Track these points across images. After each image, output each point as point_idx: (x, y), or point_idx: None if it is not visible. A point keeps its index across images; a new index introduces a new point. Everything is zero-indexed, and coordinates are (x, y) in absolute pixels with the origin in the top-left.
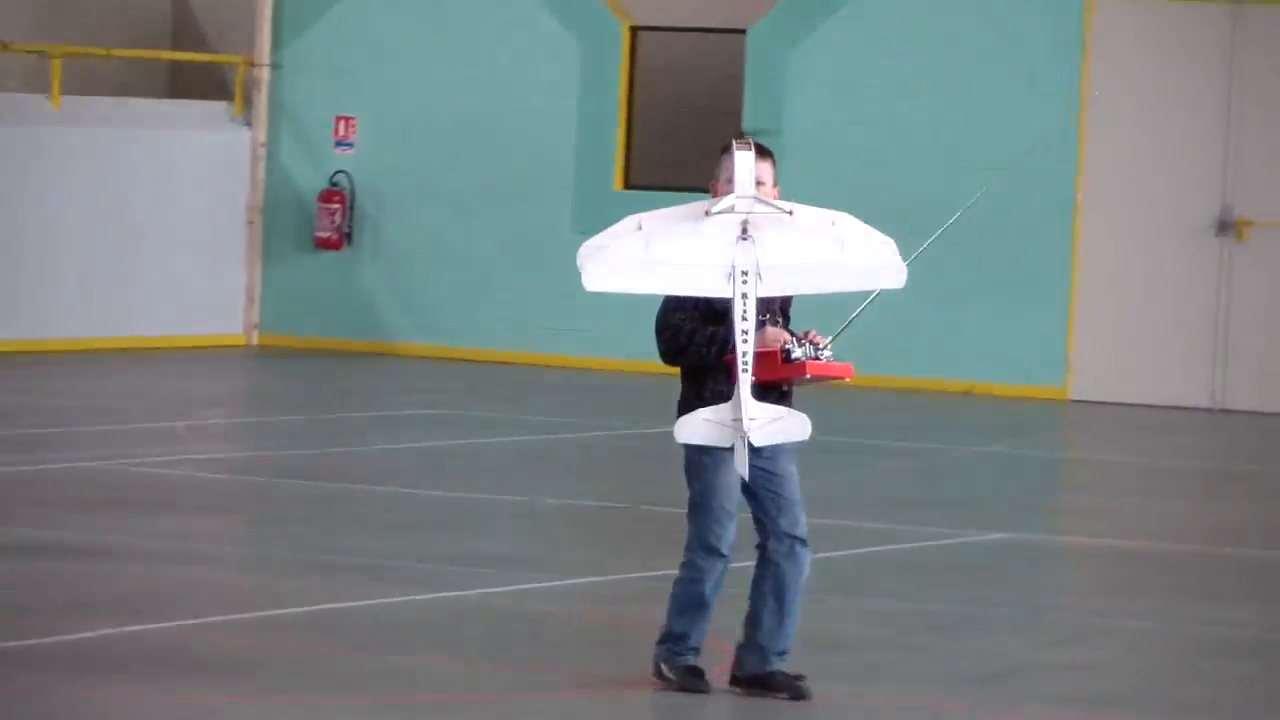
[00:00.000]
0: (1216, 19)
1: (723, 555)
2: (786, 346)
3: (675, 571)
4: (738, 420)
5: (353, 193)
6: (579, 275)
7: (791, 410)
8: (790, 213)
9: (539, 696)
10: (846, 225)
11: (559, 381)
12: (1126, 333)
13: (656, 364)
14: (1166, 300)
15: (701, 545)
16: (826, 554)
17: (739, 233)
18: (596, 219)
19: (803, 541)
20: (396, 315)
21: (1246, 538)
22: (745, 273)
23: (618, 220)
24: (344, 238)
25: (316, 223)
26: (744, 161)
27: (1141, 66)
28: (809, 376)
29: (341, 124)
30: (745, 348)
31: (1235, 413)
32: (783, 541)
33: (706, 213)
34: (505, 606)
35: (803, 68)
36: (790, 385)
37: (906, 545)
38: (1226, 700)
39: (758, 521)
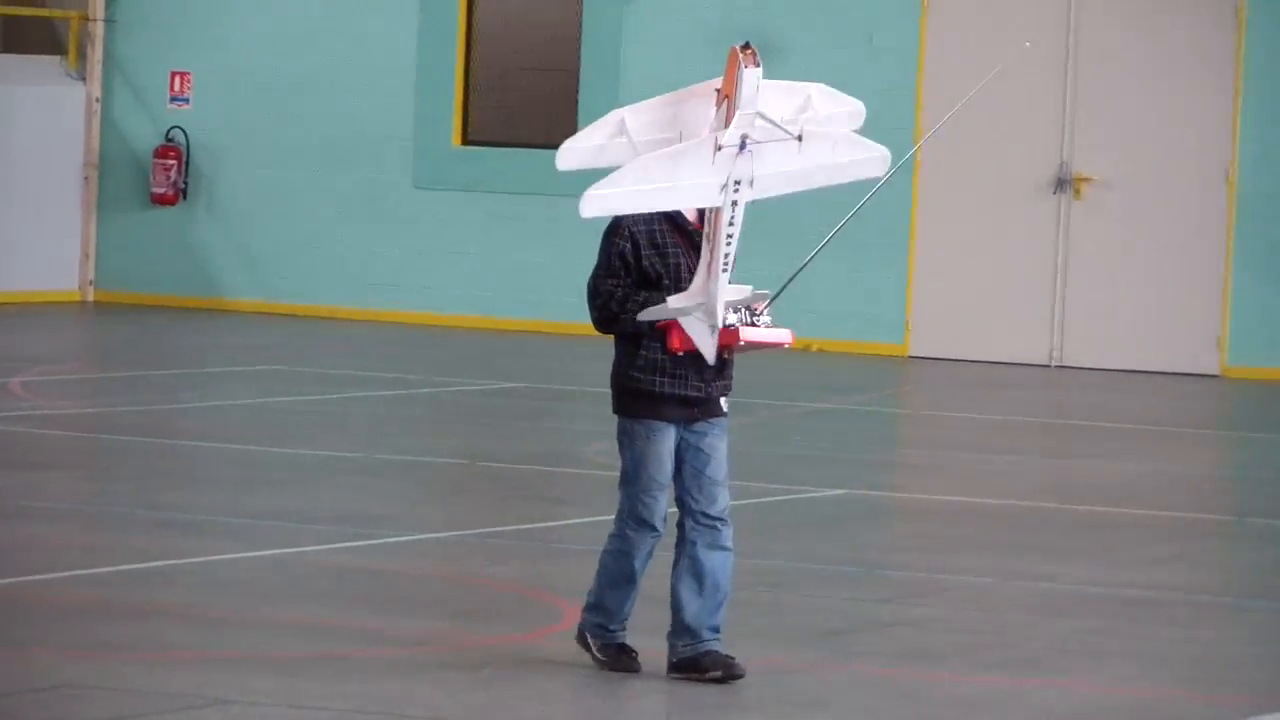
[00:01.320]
0: None
1: (654, 528)
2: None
3: (515, 525)
4: (706, 307)
5: (188, 148)
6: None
7: (754, 290)
8: (799, 138)
9: (379, 653)
10: (820, 96)
11: (396, 337)
12: (965, 290)
13: (495, 319)
14: (1004, 258)
15: (632, 516)
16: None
17: (737, 145)
18: (435, 175)
19: (723, 520)
20: (233, 272)
21: (1080, 494)
22: (739, 182)
23: (457, 176)
24: (180, 193)
25: (152, 178)
26: (750, 80)
27: (979, 23)
28: (742, 343)
29: (177, 79)
30: (728, 249)
31: (1072, 369)
32: (699, 521)
33: (718, 147)
34: (343, 563)
35: (639, 23)
36: (729, 353)
37: (748, 501)
38: (1057, 655)
39: (679, 499)
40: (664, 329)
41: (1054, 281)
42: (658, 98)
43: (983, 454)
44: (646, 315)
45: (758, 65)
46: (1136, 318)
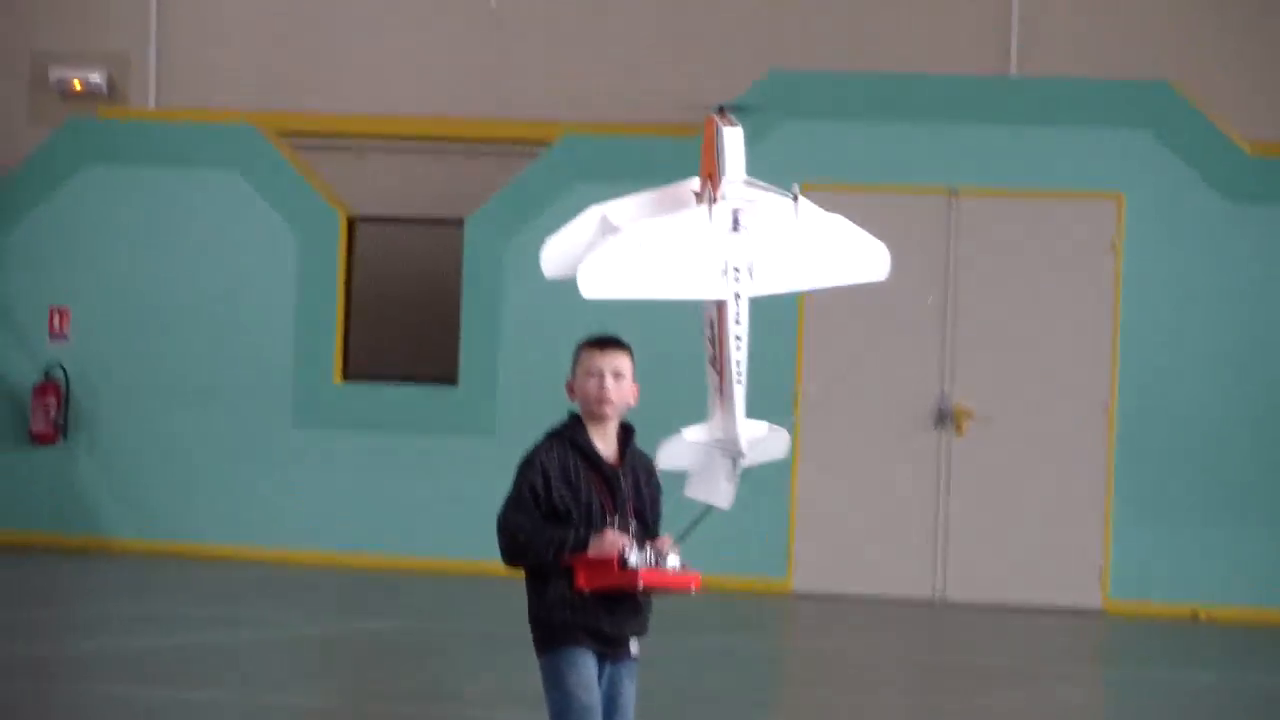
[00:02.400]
0: (933, 209)
1: None
2: (624, 553)
3: None
4: (725, 441)
5: (68, 386)
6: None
7: (773, 426)
8: (795, 196)
9: None
10: (838, 221)
11: (278, 576)
12: (848, 525)
13: (375, 558)
14: (887, 492)
15: None
16: None
17: (730, 224)
18: (316, 412)
19: None
20: (113, 510)
21: None
22: (738, 269)
23: (338, 413)
24: (59, 431)
25: (31, 416)
26: (733, 140)
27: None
28: (642, 587)
29: (56, 316)
30: (739, 355)
31: (955, 604)
32: None
33: (698, 196)
34: None
35: (519, 260)
36: (642, 595)
37: None
38: None
39: None
40: (571, 566)
41: (936, 516)
42: (633, 195)
43: (861, 692)
44: (665, 460)
45: (736, 125)
46: (1018, 552)
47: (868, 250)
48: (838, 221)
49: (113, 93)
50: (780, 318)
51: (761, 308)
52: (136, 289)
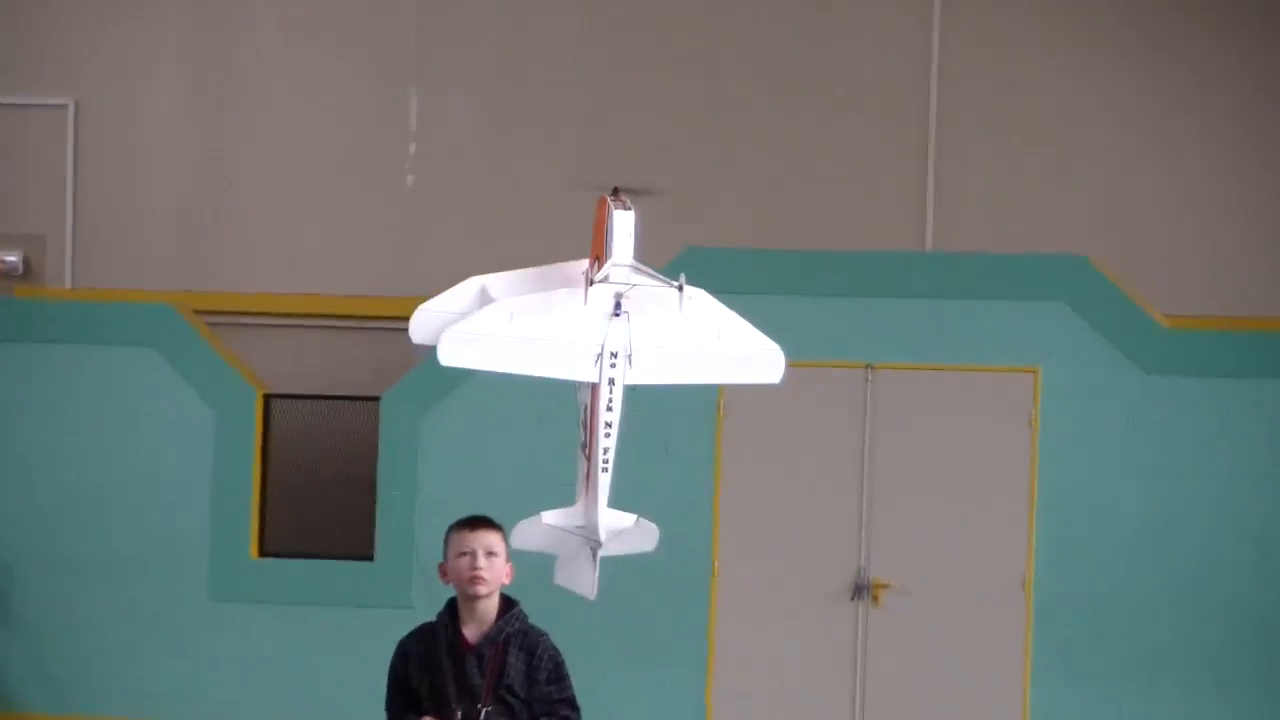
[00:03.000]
0: (849, 380)
1: None
2: None
3: None
4: (586, 528)
5: None
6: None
7: (640, 519)
8: (680, 287)
9: None
10: (730, 319)
11: None
12: (765, 698)
13: None
14: (804, 665)
15: None
16: None
17: (611, 307)
18: (232, 587)
19: None
20: (29, 685)
21: None
22: (615, 354)
23: (255, 588)
24: None
25: None
26: (624, 223)
27: (774, 428)
28: None
29: None
30: (608, 443)
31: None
32: None
33: (590, 281)
34: None
35: (435, 435)
36: None
37: None
38: None
39: None
40: None
41: (853, 689)
42: (519, 270)
43: None
44: (519, 540)
45: (629, 208)
46: None
47: (760, 350)
48: (729, 317)
49: (29, 272)
50: (696, 496)
51: (676, 484)
52: (53, 465)
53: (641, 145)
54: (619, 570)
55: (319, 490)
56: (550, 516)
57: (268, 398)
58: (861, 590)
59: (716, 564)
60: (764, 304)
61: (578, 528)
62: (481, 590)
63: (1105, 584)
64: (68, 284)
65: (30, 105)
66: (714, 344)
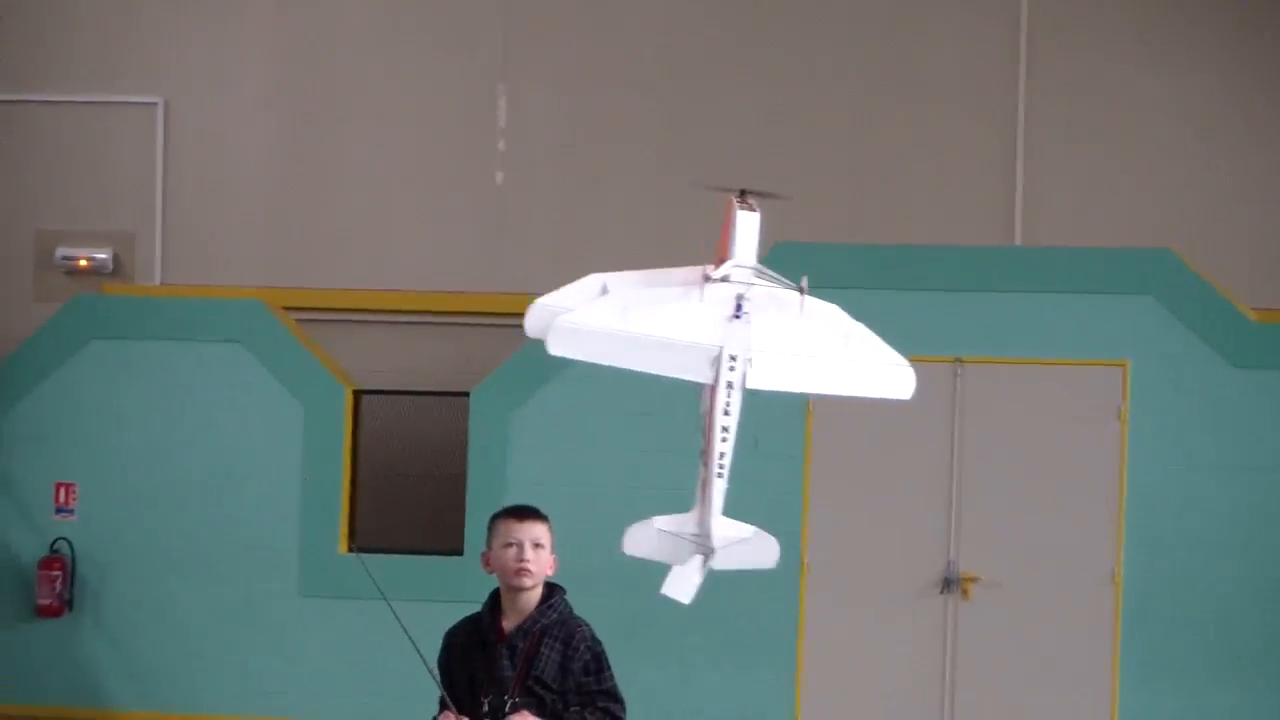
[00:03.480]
0: (938, 374)
1: None
2: None
3: None
4: (699, 535)
5: (74, 559)
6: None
7: (759, 531)
8: (802, 289)
9: None
10: (857, 328)
11: None
12: (854, 694)
13: None
14: (893, 660)
15: None
16: None
17: (733, 309)
18: (322, 583)
19: None
20: (120, 682)
21: None
22: (734, 358)
23: (344, 584)
24: (65, 605)
25: (37, 590)
26: (747, 225)
27: (863, 422)
28: None
29: (61, 490)
30: (724, 448)
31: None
32: None
33: (706, 277)
34: None
35: (525, 429)
36: None
37: None
38: None
39: None
40: None
41: (942, 683)
42: (642, 270)
43: None
44: (630, 546)
45: (754, 210)
46: (1025, 718)
47: (890, 364)
48: (856, 328)
49: (118, 269)
50: (786, 491)
51: (766, 479)
52: (142, 462)
53: (729, 141)
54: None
55: (409, 486)
56: (662, 522)
57: (357, 394)
58: (951, 584)
59: (805, 559)
60: (852, 298)
61: (691, 535)
62: (526, 582)
63: (1194, 581)
64: (157, 281)
65: (119, 103)
66: (840, 354)
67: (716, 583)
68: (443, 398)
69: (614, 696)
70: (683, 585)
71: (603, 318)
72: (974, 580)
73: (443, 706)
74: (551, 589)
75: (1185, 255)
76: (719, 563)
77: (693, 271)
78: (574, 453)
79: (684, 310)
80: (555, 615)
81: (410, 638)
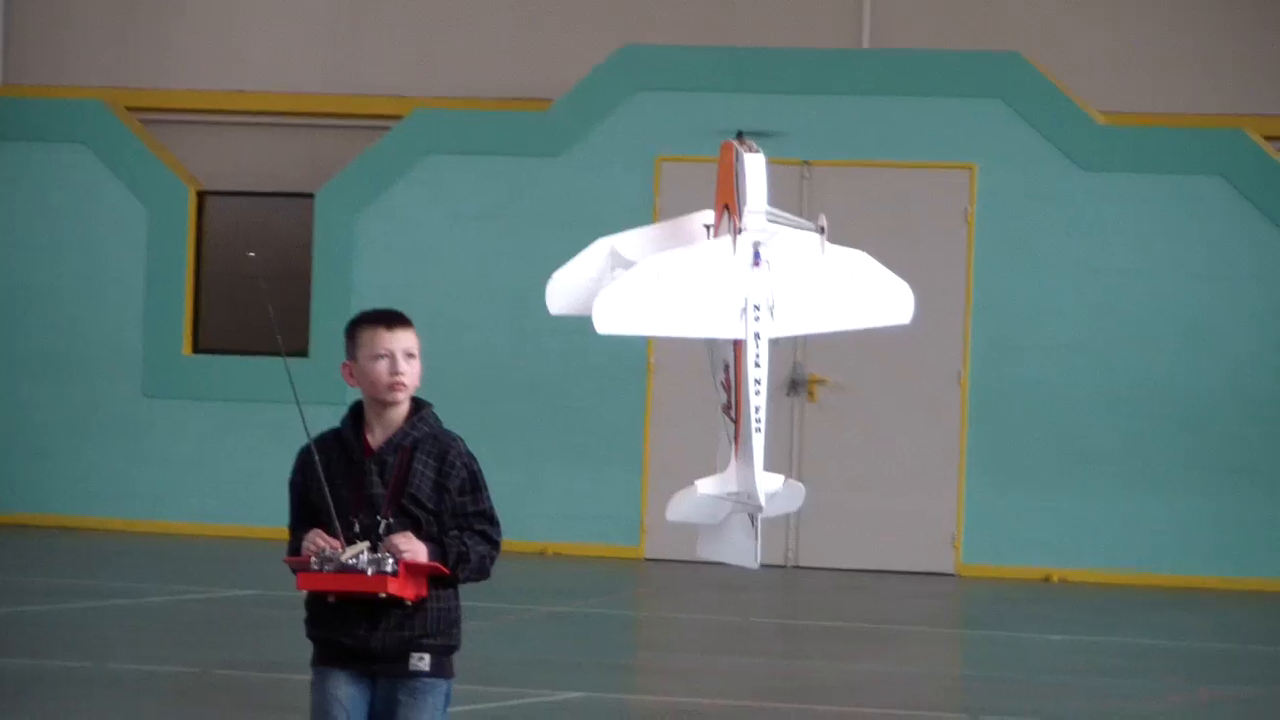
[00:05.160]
0: (786, 180)
1: None
2: (322, 554)
3: None
4: (740, 494)
5: None
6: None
7: (788, 479)
8: (822, 229)
9: None
10: (861, 260)
11: (127, 547)
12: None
13: (226, 527)
14: None
15: None
16: None
17: (751, 258)
18: (166, 383)
19: None
20: None
21: (812, 694)
22: (758, 307)
23: (189, 384)
24: None
25: None
26: (755, 167)
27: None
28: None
29: None
30: (759, 401)
31: (807, 569)
32: None
33: (706, 227)
34: None
35: (369, 230)
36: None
37: (484, 706)
38: None
39: None
40: (288, 563)
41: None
42: (645, 228)
43: (717, 655)
44: (674, 513)
45: (757, 151)
46: (871, 517)
47: (892, 290)
48: (862, 259)
49: None
50: None
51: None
52: None
53: None
54: (555, 369)
55: (252, 287)
56: (705, 485)
57: (201, 195)
58: (798, 385)
59: (652, 359)
60: (702, 101)
61: (730, 494)
62: (400, 397)
63: (1043, 383)
64: None
65: None
66: (849, 288)
67: (562, 387)
68: (289, 199)
69: (490, 518)
70: (741, 548)
71: (641, 290)
72: (820, 382)
73: (294, 528)
74: (418, 401)
75: (1033, 58)
76: (769, 511)
77: (694, 219)
78: (418, 253)
79: (713, 266)
80: (426, 429)
81: (310, 436)
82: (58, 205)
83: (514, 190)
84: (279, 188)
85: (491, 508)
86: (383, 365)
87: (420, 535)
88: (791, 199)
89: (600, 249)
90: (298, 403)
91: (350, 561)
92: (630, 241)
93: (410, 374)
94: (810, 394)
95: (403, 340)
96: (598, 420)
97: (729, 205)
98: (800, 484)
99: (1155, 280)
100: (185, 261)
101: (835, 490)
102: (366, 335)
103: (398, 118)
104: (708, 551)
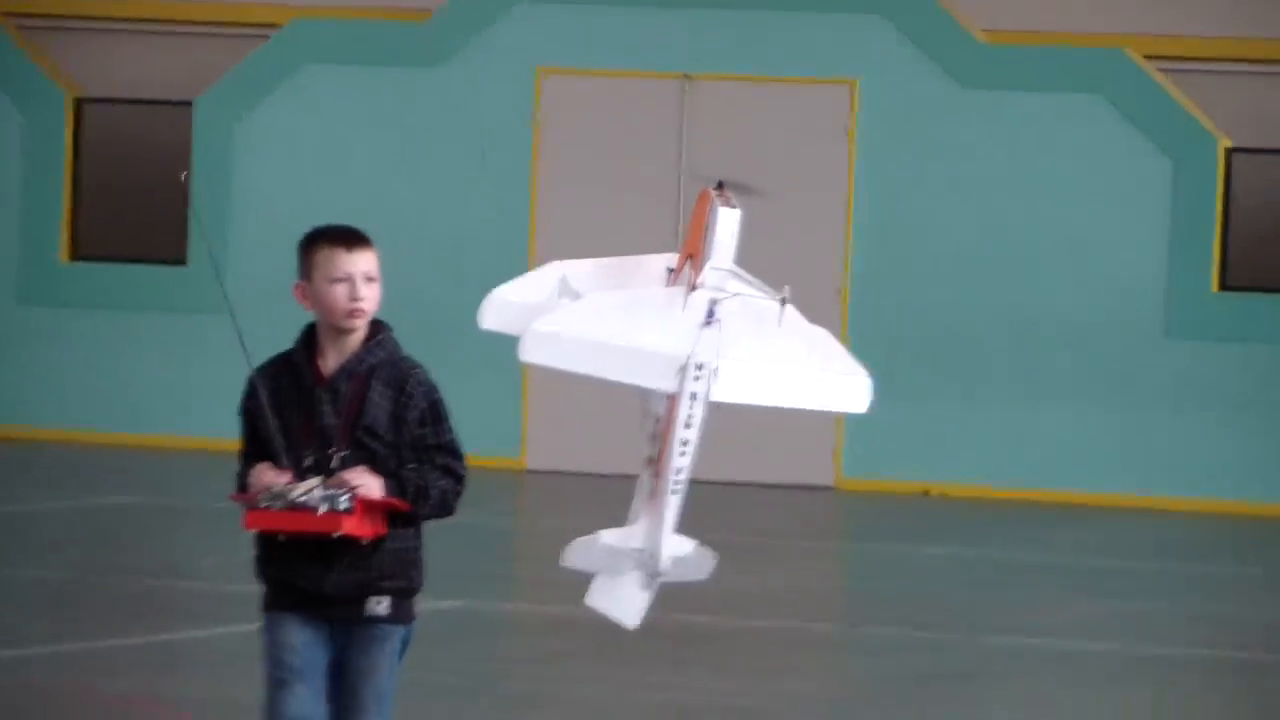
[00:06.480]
0: (667, 93)
1: None
2: (270, 490)
3: (131, 639)
4: (644, 552)
5: None
6: (475, 327)
7: (699, 546)
8: (784, 300)
9: None
10: (820, 336)
11: (7, 454)
12: (579, 404)
13: (106, 435)
14: (626, 395)
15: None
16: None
17: (704, 314)
18: (43, 291)
19: None
20: None
21: (694, 605)
22: (700, 367)
23: (66, 292)
24: None
25: None
26: (728, 223)
27: (590, 138)
28: (251, 530)
29: None
30: (682, 463)
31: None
32: None
33: (669, 270)
34: None
35: (248, 138)
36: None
37: None
38: None
39: None
40: (234, 499)
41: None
42: (601, 259)
43: None
44: (571, 559)
45: (734, 207)
46: (751, 430)
47: (848, 377)
48: (822, 336)
49: None
50: (513, 203)
51: (493, 191)
52: None
53: None
54: (436, 280)
55: (132, 196)
56: (609, 536)
57: (79, 101)
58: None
59: (533, 266)
60: (583, 12)
61: (634, 550)
62: (359, 323)
63: (922, 298)
64: None
65: None
66: (803, 365)
67: (439, 298)
68: (167, 106)
69: (454, 451)
70: (626, 605)
71: (576, 324)
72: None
73: (244, 458)
74: (377, 324)
75: None
76: (663, 580)
77: (652, 261)
78: (299, 164)
79: (657, 316)
80: (383, 354)
81: (244, 348)
82: None
83: (393, 100)
84: (157, 95)
85: (454, 440)
86: (341, 290)
87: (377, 469)
88: (672, 113)
89: (550, 273)
90: (234, 320)
91: (301, 499)
92: (583, 271)
93: (370, 299)
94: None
95: (363, 262)
96: (478, 332)
97: (693, 255)
98: (713, 553)
99: (1036, 197)
100: (62, 168)
101: (714, 411)
102: (323, 256)
103: (277, 26)
104: (595, 599)
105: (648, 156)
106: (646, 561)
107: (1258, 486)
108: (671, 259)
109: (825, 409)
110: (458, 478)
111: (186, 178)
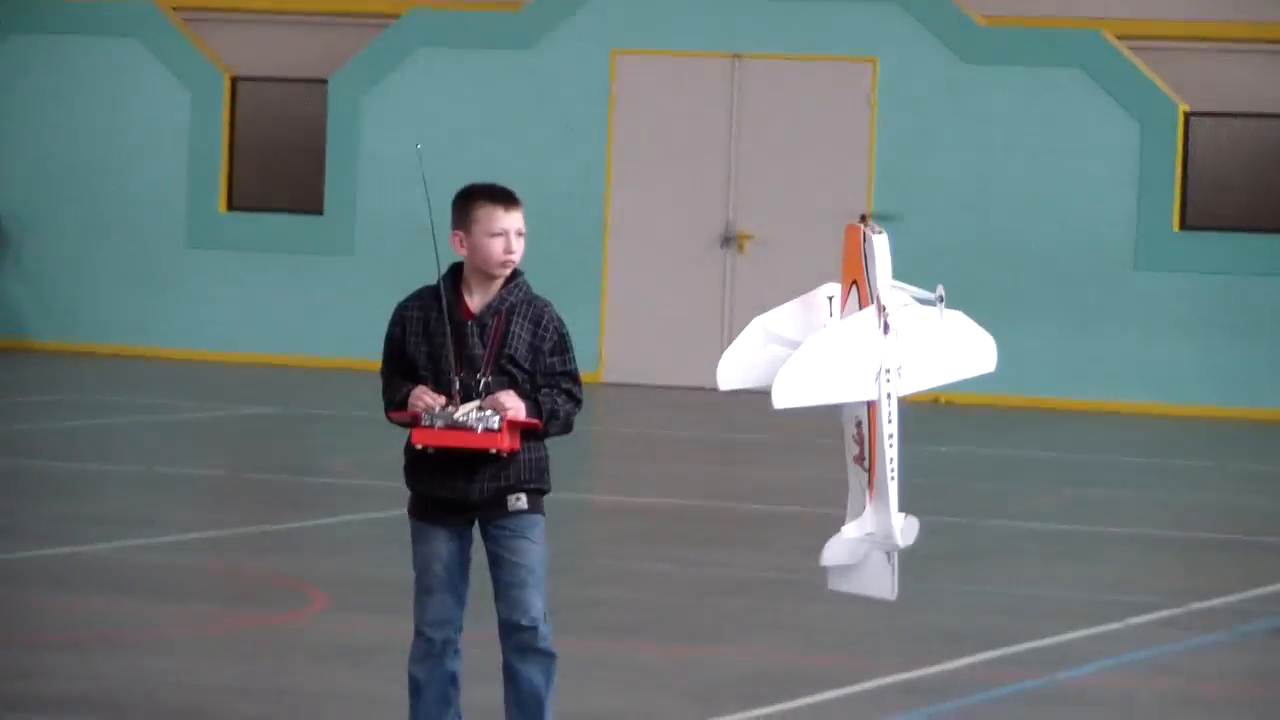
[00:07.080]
0: (719, 69)
1: (421, 634)
2: (430, 410)
3: (273, 526)
4: (876, 534)
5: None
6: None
7: (908, 516)
8: (940, 299)
9: (154, 633)
10: (952, 317)
11: (171, 372)
12: (649, 327)
13: (254, 356)
14: (682, 301)
15: (414, 621)
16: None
17: (881, 327)
18: (206, 236)
19: (533, 629)
20: (34, 319)
21: (744, 495)
22: (889, 371)
23: (225, 237)
24: None
25: None
26: (882, 247)
27: (657, 108)
28: (420, 447)
29: None
30: (893, 453)
31: (741, 392)
32: (509, 632)
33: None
34: (125, 559)
35: (372, 110)
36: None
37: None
38: (729, 628)
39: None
40: (391, 418)
41: (721, 320)
42: (783, 305)
43: (665, 463)
44: (830, 557)
45: (881, 232)
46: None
47: (982, 345)
48: (959, 319)
49: None
50: (592, 163)
51: (574, 151)
52: (51, 140)
53: None
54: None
55: (278, 157)
56: (849, 530)
57: (234, 79)
58: (729, 240)
59: (609, 221)
60: (650, 2)
61: (868, 535)
62: (508, 272)
63: (931, 237)
64: None
65: None
66: (954, 348)
67: (535, 240)
68: (306, 84)
69: (575, 378)
70: (879, 582)
71: (807, 365)
72: (748, 237)
73: (389, 378)
74: (513, 270)
75: None
76: (903, 543)
77: (816, 295)
78: (414, 132)
79: (854, 342)
80: (521, 294)
81: (442, 280)
82: (114, 91)
83: (492, 78)
84: (298, 74)
85: (576, 368)
86: (498, 243)
87: (517, 392)
88: (724, 87)
89: (755, 330)
90: (435, 248)
91: (461, 419)
92: (777, 319)
93: (519, 252)
94: (739, 247)
95: (516, 220)
96: (566, 266)
97: (856, 280)
98: (916, 519)
99: (1025, 154)
100: (221, 135)
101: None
102: (484, 212)
103: (397, 15)
104: (841, 584)
105: (704, 125)
106: (880, 541)
107: (1212, 393)
108: (832, 288)
109: (969, 375)
110: (578, 401)
111: (420, 150)
